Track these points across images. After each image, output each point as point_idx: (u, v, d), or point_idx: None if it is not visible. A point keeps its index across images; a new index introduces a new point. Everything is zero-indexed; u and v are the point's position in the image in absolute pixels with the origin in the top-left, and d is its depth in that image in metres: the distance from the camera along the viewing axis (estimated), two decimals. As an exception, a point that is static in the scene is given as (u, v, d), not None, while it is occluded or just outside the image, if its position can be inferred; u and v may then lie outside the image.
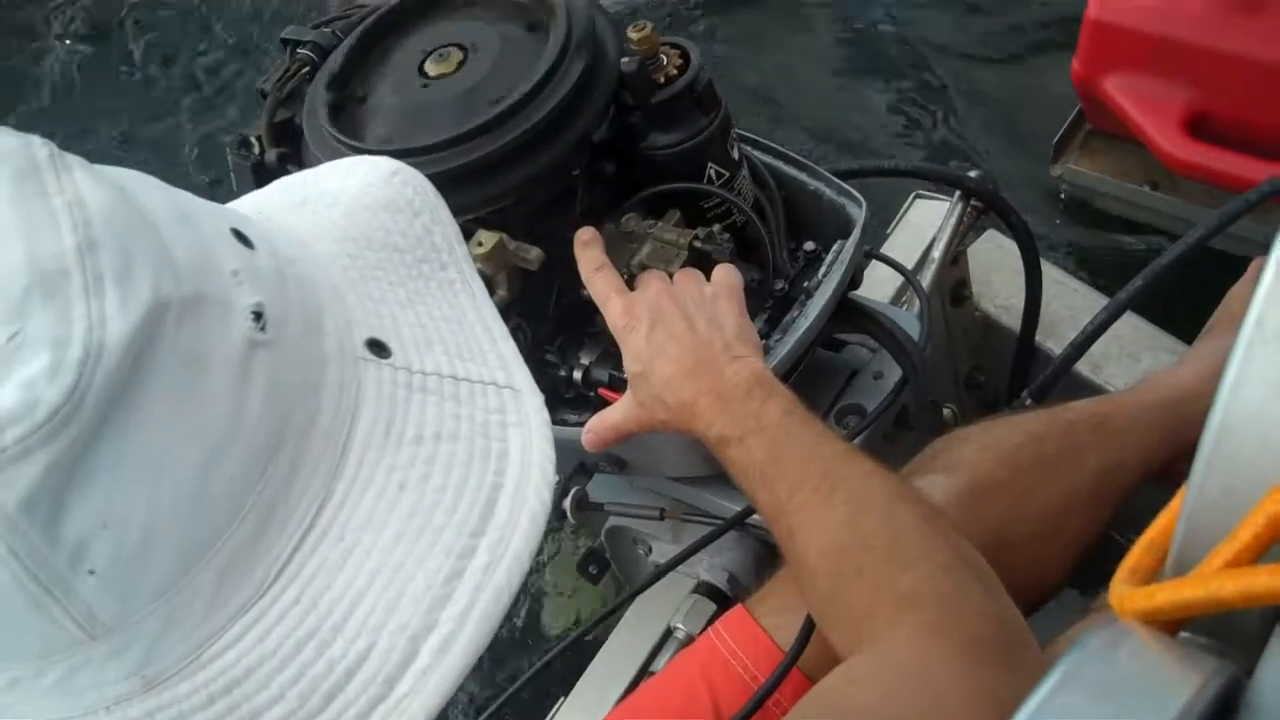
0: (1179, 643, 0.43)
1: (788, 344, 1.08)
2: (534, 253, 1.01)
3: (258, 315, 0.54)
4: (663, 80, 1.06)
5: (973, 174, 1.39)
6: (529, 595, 1.88)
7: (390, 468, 0.56)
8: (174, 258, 0.52)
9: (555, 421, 1.10)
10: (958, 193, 1.40)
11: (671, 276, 1.04)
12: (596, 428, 1.02)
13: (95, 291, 0.49)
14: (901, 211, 1.53)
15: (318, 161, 1.08)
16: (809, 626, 0.93)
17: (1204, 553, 0.39)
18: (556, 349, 1.13)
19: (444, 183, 1.00)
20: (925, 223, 1.53)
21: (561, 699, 1.24)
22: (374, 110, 1.08)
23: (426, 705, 0.53)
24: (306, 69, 1.22)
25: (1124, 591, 0.42)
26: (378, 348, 0.60)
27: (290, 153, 1.17)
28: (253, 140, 1.23)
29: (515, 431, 0.60)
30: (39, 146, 0.53)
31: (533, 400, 0.62)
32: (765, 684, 0.91)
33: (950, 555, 0.80)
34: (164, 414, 0.49)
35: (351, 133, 1.06)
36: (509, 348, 0.64)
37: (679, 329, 0.97)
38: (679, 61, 1.08)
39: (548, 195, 1.07)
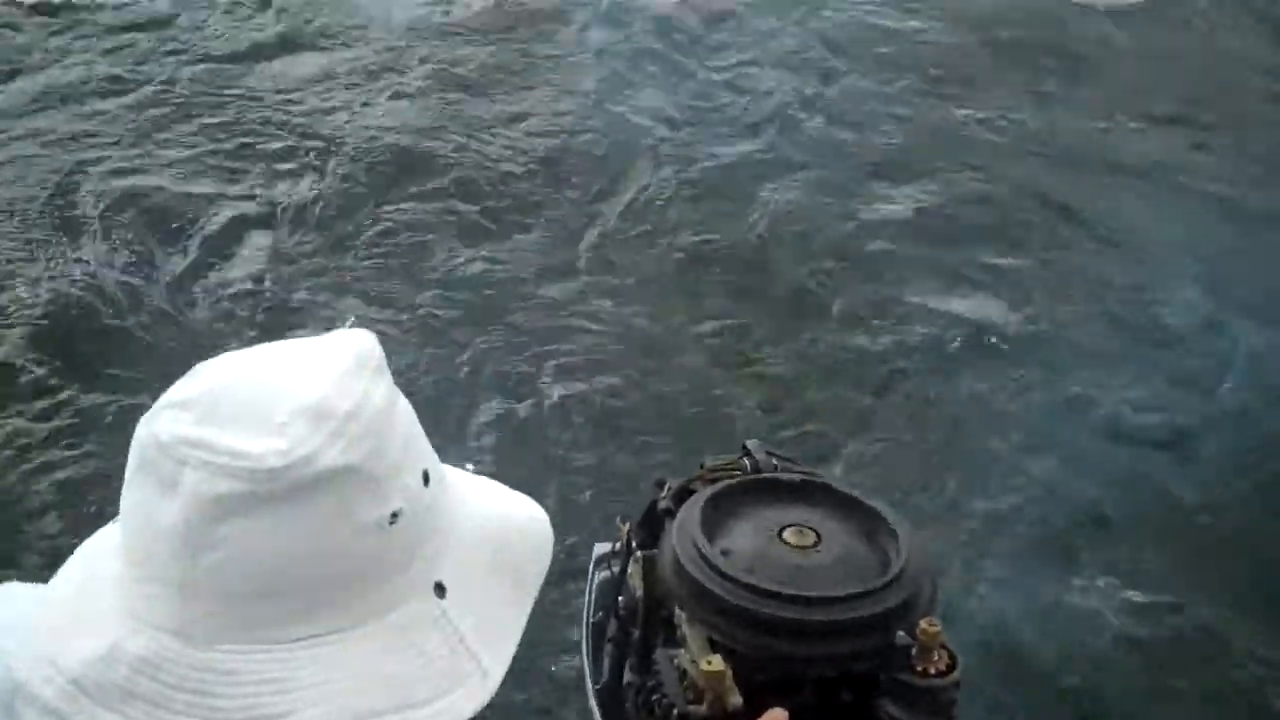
0: None
1: None
2: (733, 701, 1.23)
3: (394, 516, 0.84)
4: (918, 669, 1.26)
5: None
6: None
7: (384, 648, 0.84)
8: (385, 449, 0.84)
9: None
10: None
11: None
12: None
13: (335, 438, 0.82)
14: None
15: (673, 538, 1.38)
16: None
17: None
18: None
19: (742, 615, 1.27)
20: None
21: None
22: (733, 543, 1.37)
23: None
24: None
25: None
26: (440, 589, 0.88)
27: (673, 511, 1.48)
28: (669, 487, 1.56)
29: (462, 694, 0.86)
30: (375, 346, 0.89)
31: (489, 686, 0.87)
32: None
33: None
34: (307, 525, 0.81)
35: (709, 542, 1.35)
36: (507, 657, 0.90)
37: None
38: (943, 666, 1.27)
39: (785, 675, 1.30)
